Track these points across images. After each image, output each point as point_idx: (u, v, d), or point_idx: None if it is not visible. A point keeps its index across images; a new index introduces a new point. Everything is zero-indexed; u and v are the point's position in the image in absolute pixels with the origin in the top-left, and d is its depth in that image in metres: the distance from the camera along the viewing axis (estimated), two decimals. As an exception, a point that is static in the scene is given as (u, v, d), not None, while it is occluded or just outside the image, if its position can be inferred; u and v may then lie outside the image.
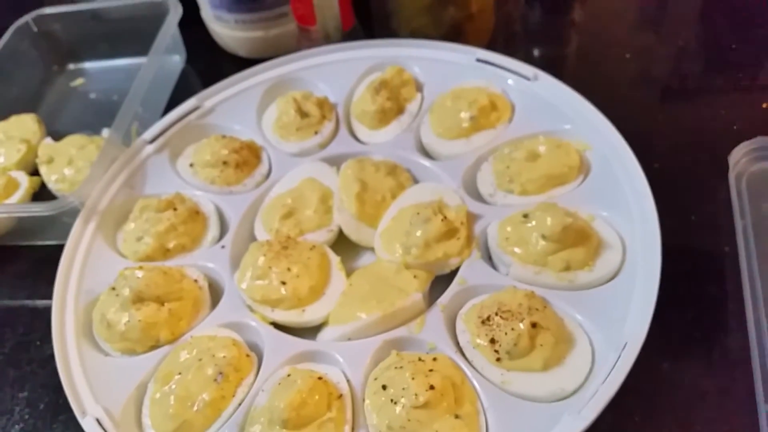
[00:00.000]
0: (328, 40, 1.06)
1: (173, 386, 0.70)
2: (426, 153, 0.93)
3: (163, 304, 0.76)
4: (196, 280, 0.81)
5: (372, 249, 0.84)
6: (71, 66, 1.27)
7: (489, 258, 0.80)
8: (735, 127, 0.95)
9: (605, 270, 0.75)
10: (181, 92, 1.10)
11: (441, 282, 0.79)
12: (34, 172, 1.04)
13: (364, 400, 0.69)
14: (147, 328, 0.75)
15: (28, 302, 0.93)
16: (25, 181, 1.01)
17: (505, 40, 1.18)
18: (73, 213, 0.88)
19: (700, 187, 0.89)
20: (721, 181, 0.88)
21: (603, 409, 0.64)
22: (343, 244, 0.86)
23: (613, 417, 0.69)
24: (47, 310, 0.81)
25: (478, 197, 0.86)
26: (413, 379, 0.66)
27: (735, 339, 0.75)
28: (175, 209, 0.86)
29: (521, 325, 0.68)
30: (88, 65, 1.27)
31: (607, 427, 0.68)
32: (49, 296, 0.82)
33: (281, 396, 0.66)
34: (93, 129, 1.08)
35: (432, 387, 0.65)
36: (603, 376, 0.66)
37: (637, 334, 0.67)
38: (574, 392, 0.67)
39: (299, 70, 1.04)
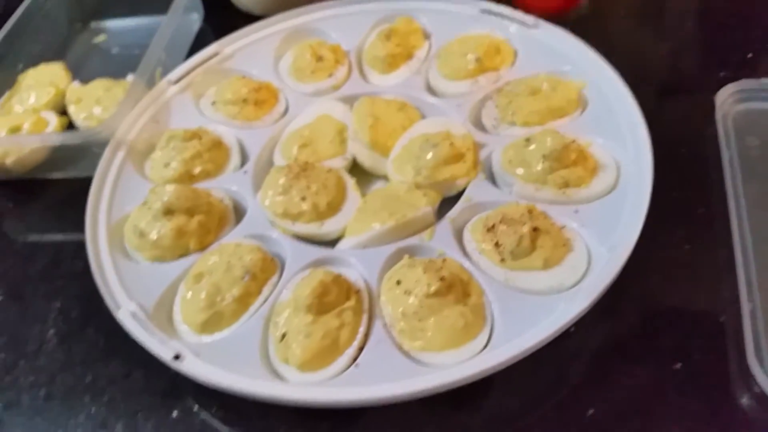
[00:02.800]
0: (341, -6, 1.13)
1: (203, 284, 0.76)
2: (434, 94, 0.99)
3: (192, 216, 0.82)
4: (221, 199, 0.87)
5: (384, 177, 0.91)
6: (93, 24, 1.33)
7: (493, 182, 0.86)
8: (721, 74, 1.01)
9: (600, 187, 0.81)
10: (198, 49, 1.15)
11: (448, 204, 0.85)
12: (63, 114, 1.10)
13: (379, 296, 0.75)
14: (177, 237, 0.81)
15: (59, 230, 0.99)
16: (54, 120, 1.06)
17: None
18: (102, 144, 0.94)
19: (688, 125, 0.96)
20: (709, 120, 0.94)
21: (599, 298, 0.70)
22: (356, 174, 0.92)
23: (608, 320, 0.76)
24: (78, 236, 0.87)
25: (483, 130, 0.92)
26: (425, 273, 0.72)
27: (722, 252, 0.80)
28: (200, 138, 0.92)
29: (524, 229, 0.74)
30: (110, 23, 1.33)
31: (604, 328, 0.76)
32: (79, 225, 0.88)
33: (304, 286, 0.72)
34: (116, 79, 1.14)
35: (442, 278, 0.71)
36: (597, 273, 0.72)
37: (629, 236, 0.74)
38: (572, 287, 0.73)
39: (314, 20, 1.11)
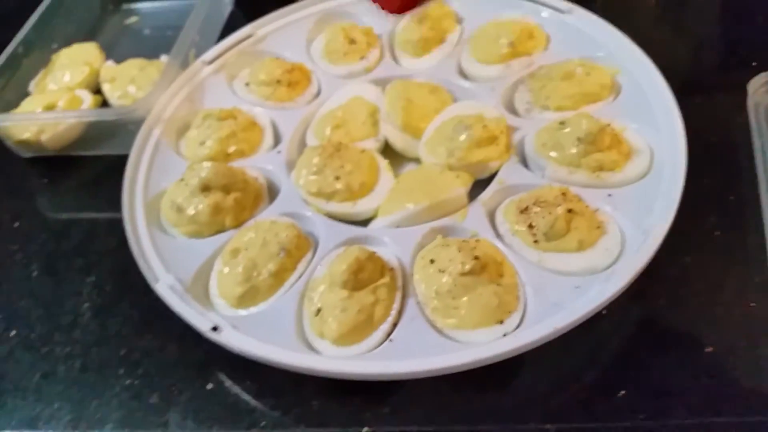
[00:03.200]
0: (374, -22, 1.13)
1: (240, 259, 0.77)
2: (465, 78, 1.00)
3: (229, 193, 0.83)
4: (256, 178, 0.88)
5: (415, 160, 0.92)
6: (125, 6, 1.34)
7: (525, 165, 0.87)
8: (753, 64, 1.01)
9: (634, 172, 0.82)
10: (230, 32, 1.15)
11: (479, 187, 0.85)
12: (96, 93, 1.11)
13: (412, 275, 0.76)
14: (214, 213, 0.82)
15: (93, 207, 1.00)
16: (88, 99, 1.08)
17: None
18: (138, 122, 0.96)
19: (720, 114, 0.96)
20: (740, 109, 0.94)
21: (632, 280, 0.70)
22: (387, 156, 0.92)
23: (640, 303, 0.76)
24: (111, 213, 0.90)
25: (515, 114, 0.93)
26: (459, 251, 0.73)
27: (752, 238, 0.81)
28: (235, 118, 0.94)
29: (558, 210, 0.75)
30: (142, 5, 1.34)
31: (636, 311, 0.77)
32: (113, 202, 0.89)
33: (340, 262, 0.73)
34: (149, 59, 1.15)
35: (477, 258, 0.72)
36: (632, 255, 0.73)
37: (663, 220, 0.74)
38: (605, 269, 0.73)
39: (346, 4, 1.12)
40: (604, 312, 0.71)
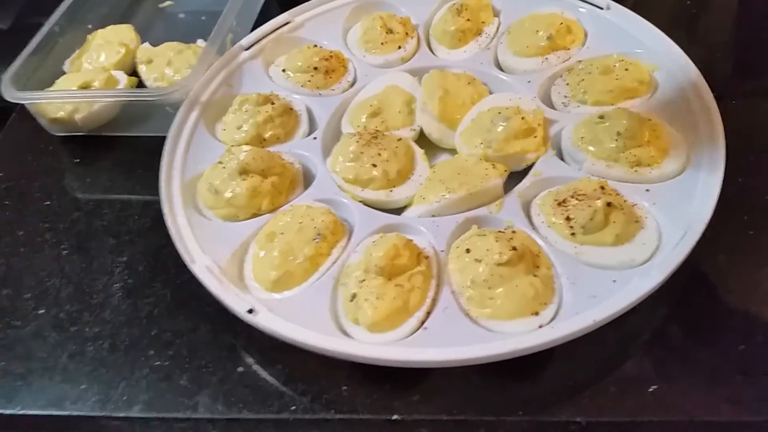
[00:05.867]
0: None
1: (276, 243, 0.77)
2: (501, 70, 1.00)
3: (266, 177, 0.84)
4: (292, 163, 0.88)
5: (449, 150, 0.91)
6: (159, -11, 1.35)
7: (562, 158, 0.87)
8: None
9: (671, 168, 0.82)
10: (264, 20, 1.14)
11: (513, 179, 0.85)
12: (131, 74, 1.11)
13: (447, 264, 0.76)
14: (252, 196, 0.82)
15: (125, 188, 1.00)
16: (124, 79, 1.08)
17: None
18: (175, 104, 0.96)
19: (756, 114, 0.96)
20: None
21: (667, 278, 0.70)
22: (422, 145, 0.92)
23: (672, 298, 0.76)
24: (143, 194, 0.92)
25: (552, 107, 0.93)
26: (497, 241, 0.73)
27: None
28: (272, 103, 0.94)
29: (598, 203, 0.75)
30: (176, -11, 1.34)
31: (668, 306, 0.76)
32: (146, 183, 0.91)
33: (377, 248, 0.73)
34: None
35: (514, 248, 0.72)
36: (670, 250, 0.72)
37: (701, 216, 0.74)
38: (642, 263, 0.73)
39: (383, -7, 1.12)
40: (637, 306, 0.70)
